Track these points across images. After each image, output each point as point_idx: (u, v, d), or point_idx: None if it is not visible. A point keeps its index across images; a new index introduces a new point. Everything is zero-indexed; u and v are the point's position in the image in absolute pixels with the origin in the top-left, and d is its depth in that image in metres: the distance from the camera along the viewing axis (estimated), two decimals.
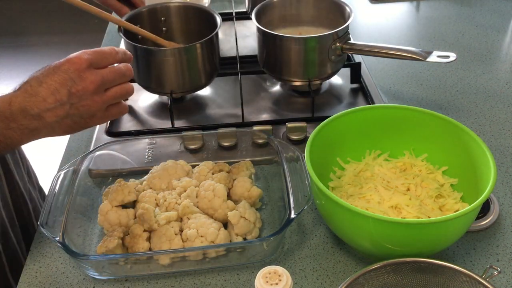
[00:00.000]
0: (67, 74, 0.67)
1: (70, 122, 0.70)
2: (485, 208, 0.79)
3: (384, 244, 0.67)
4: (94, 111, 0.71)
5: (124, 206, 0.79)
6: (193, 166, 0.86)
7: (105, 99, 0.71)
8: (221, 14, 1.01)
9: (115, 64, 0.74)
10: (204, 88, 1.06)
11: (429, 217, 0.71)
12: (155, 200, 0.79)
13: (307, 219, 0.81)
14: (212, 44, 0.98)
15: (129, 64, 0.75)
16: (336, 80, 1.11)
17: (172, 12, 1.07)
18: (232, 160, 0.88)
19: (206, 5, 1.13)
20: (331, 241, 0.77)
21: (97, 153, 0.86)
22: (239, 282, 0.72)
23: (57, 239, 0.70)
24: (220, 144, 0.91)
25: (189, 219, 0.76)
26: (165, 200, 0.78)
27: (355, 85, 1.09)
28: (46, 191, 0.78)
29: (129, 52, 0.77)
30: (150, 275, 0.73)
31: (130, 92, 0.76)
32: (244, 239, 0.76)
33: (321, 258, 0.75)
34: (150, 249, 0.74)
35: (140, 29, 0.98)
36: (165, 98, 1.06)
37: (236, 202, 0.79)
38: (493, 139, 0.95)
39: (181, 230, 0.75)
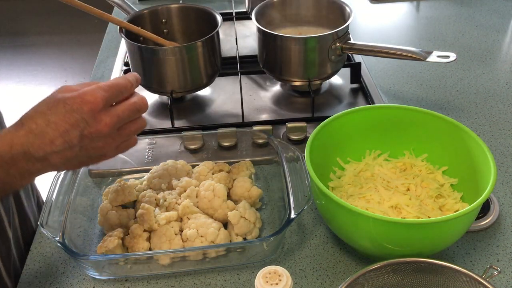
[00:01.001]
0: (80, 114, 0.59)
1: (76, 163, 0.63)
2: (485, 208, 0.79)
3: (384, 244, 0.67)
4: (104, 151, 0.64)
5: (124, 206, 0.79)
6: (193, 166, 0.86)
7: (118, 139, 0.65)
8: (221, 14, 1.01)
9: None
10: (204, 88, 1.06)
11: (429, 217, 0.71)
12: (155, 200, 0.79)
13: (307, 219, 0.81)
14: (213, 43, 0.98)
15: (143, 97, 0.67)
16: (336, 80, 1.11)
17: (173, 14, 1.07)
18: (232, 160, 0.88)
19: None
20: (331, 241, 0.77)
21: None
22: (239, 282, 0.72)
23: (57, 239, 0.70)
24: (220, 144, 0.91)
25: (189, 219, 0.76)
26: (165, 200, 0.78)
27: (355, 85, 1.09)
28: (47, 191, 0.78)
29: (138, 76, 0.70)
30: (150, 275, 0.73)
31: (144, 127, 0.69)
32: (244, 239, 0.76)
33: (321, 258, 0.75)
34: (150, 249, 0.74)
35: (141, 29, 0.98)
36: (165, 98, 1.06)
37: (236, 202, 0.79)
38: (493, 139, 0.95)
39: (181, 230, 0.75)
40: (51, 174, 0.81)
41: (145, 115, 1.02)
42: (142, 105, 0.66)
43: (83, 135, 0.60)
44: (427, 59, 0.92)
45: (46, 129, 0.58)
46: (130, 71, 1.05)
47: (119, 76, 0.66)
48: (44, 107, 0.60)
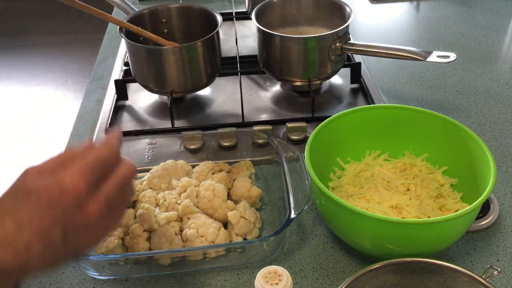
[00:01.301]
0: (60, 208, 0.46)
1: (62, 258, 0.49)
2: (485, 208, 0.79)
3: (384, 244, 0.67)
4: (95, 240, 0.52)
5: None
6: (193, 166, 0.86)
7: (109, 224, 0.52)
8: (221, 14, 1.01)
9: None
10: (204, 88, 1.06)
11: (429, 217, 0.71)
12: (155, 200, 0.79)
13: (307, 219, 0.81)
14: (213, 43, 0.98)
15: (130, 163, 0.55)
16: (336, 80, 1.11)
17: (173, 14, 1.07)
18: (232, 160, 0.88)
19: None
20: (331, 241, 0.77)
21: None
22: (239, 282, 0.72)
23: None
24: (220, 144, 0.91)
25: (189, 219, 0.76)
26: (165, 200, 0.78)
27: (355, 85, 1.09)
28: None
29: (120, 134, 0.56)
30: (150, 275, 0.73)
31: (133, 194, 0.57)
32: (244, 239, 0.76)
33: (321, 258, 0.75)
34: (150, 249, 0.74)
35: (141, 29, 0.98)
36: (165, 98, 1.06)
37: (236, 202, 0.79)
38: (493, 139, 0.95)
39: (181, 230, 0.75)
40: None
41: (145, 115, 1.03)
42: (131, 174, 0.54)
43: (67, 231, 0.47)
44: (427, 59, 0.92)
45: (19, 234, 0.45)
46: (130, 71, 1.05)
47: (99, 142, 0.53)
48: (11, 204, 0.46)
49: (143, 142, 0.92)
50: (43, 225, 0.46)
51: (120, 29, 0.97)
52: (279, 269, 0.58)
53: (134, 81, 1.04)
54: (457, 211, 0.68)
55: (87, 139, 0.52)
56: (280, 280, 0.57)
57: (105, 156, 0.51)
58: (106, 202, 0.49)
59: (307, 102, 1.03)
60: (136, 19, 1.01)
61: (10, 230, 0.45)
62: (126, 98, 1.07)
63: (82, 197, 0.47)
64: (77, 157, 0.50)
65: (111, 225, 0.54)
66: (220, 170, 0.85)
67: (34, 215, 0.45)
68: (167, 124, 0.99)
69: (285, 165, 0.80)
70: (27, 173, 0.49)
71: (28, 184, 0.47)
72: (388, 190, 0.77)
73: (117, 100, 1.06)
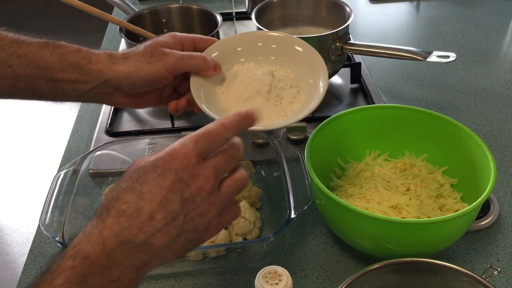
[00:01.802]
0: (175, 174, 0.49)
1: (183, 241, 0.50)
2: (485, 208, 0.79)
3: (384, 244, 0.67)
4: (210, 219, 0.52)
5: None
6: None
7: (221, 198, 0.52)
8: (221, 14, 1.01)
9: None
10: None
11: (429, 217, 0.71)
12: None
13: (307, 219, 0.81)
14: None
15: (237, 143, 0.56)
16: (336, 80, 1.11)
17: (173, 14, 1.07)
18: None
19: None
20: (331, 241, 0.77)
21: (97, 153, 0.86)
22: (239, 282, 0.72)
23: (57, 239, 0.70)
24: None
25: None
26: None
27: (355, 85, 1.09)
28: (47, 191, 0.78)
29: (242, 116, 0.57)
30: (150, 275, 0.73)
31: (246, 182, 0.56)
32: (244, 239, 0.76)
33: (321, 258, 0.75)
34: None
35: (141, 29, 0.98)
36: None
37: None
38: (493, 139, 0.95)
39: None
40: (51, 174, 0.81)
41: (145, 115, 1.03)
42: (236, 152, 0.55)
43: (184, 198, 0.49)
44: (427, 59, 0.92)
45: (140, 203, 0.47)
46: None
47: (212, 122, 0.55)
48: (128, 182, 0.49)
49: (143, 142, 0.92)
50: (162, 193, 0.48)
51: (120, 29, 0.97)
52: (279, 269, 0.58)
53: None
54: (457, 211, 0.68)
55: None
56: (280, 280, 0.57)
57: (213, 130, 0.52)
58: (215, 172, 0.51)
59: None
60: (136, 19, 1.02)
61: (131, 202, 0.47)
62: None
63: (192, 163, 0.49)
64: (187, 135, 0.52)
65: (226, 216, 0.55)
66: None
67: (152, 185, 0.48)
68: (167, 124, 0.99)
69: (285, 165, 0.80)
70: (136, 162, 0.51)
71: (141, 163, 0.50)
72: (388, 190, 0.77)
73: None
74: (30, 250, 0.79)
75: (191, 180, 0.50)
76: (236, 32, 1.15)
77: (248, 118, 0.57)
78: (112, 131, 0.97)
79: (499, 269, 0.63)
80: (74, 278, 0.44)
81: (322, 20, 1.08)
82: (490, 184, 0.66)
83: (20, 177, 2.29)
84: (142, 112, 1.04)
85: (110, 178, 0.88)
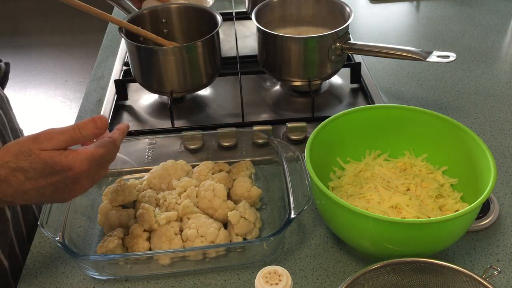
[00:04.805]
0: (62, 178, 0.62)
1: (49, 192, 0.63)
2: (485, 208, 0.79)
3: (384, 244, 0.67)
4: (71, 196, 0.66)
5: (124, 206, 0.79)
6: (193, 166, 0.86)
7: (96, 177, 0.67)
8: (221, 14, 1.01)
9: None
10: (204, 88, 1.06)
11: (429, 217, 0.71)
12: (155, 200, 0.79)
13: (307, 219, 0.81)
14: (213, 43, 0.98)
15: (113, 140, 0.68)
16: (336, 80, 1.11)
17: (173, 13, 1.07)
18: (232, 160, 0.88)
19: (210, 4, 1.13)
20: (331, 241, 0.77)
21: None
22: (239, 282, 0.72)
23: (57, 239, 0.70)
24: (220, 144, 0.91)
25: (189, 219, 0.76)
26: (165, 200, 0.78)
27: (355, 85, 1.09)
28: None
29: (124, 127, 0.71)
30: (150, 275, 0.73)
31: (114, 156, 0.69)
32: (244, 239, 0.76)
33: (321, 258, 0.75)
34: (150, 249, 0.74)
35: (141, 29, 0.98)
36: (165, 98, 1.06)
37: (236, 202, 0.79)
38: (493, 139, 0.95)
39: (181, 230, 0.75)
40: None
41: (145, 115, 1.03)
42: (114, 148, 0.67)
43: (57, 190, 0.62)
44: (427, 59, 0.92)
45: (24, 184, 0.60)
46: (130, 71, 1.05)
47: (108, 136, 0.68)
48: (27, 164, 0.60)
49: (143, 142, 0.92)
50: (44, 184, 0.61)
51: (120, 29, 0.97)
52: (279, 269, 0.58)
53: (134, 81, 1.04)
54: (457, 211, 0.68)
55: (98, 119, 0.66)
56: (280, 280, 0.57)
57: (109, 155, 0.66)
58: (92, 181, 0.66)
59: (307, 102, 1.03)
60: (136, 19, 1.01)
61: (20, 180, 0.60)
62: (126, 98, 1.07)
63: (81, 176, 0.63)
64: (88, 149, 0.63)
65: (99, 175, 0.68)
66: (220, 170, 0.85)
67: (43, 177, 0.61)
68: (167, 124, 0.99)
69: (285, 165, 0.80)
70: (43, 146, 0.61)
71: (45, 155, 0.61)
72: (388, 190, 0.77)
73: (117, 100, 1.06)
74: (30, 250, 0.79)
75: (71, 186, 0.63)
76: (236, 32, 1.15)
77: (124, 130, 0.71)
78: None
79: (499, 269, 0.63)
80: None
81: (322, 20, 1.08)
82: (490, 184, 0.66)
83: None
84: (142, 112, 1.04)
85: (110, 178, 0.88)
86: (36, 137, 0.62)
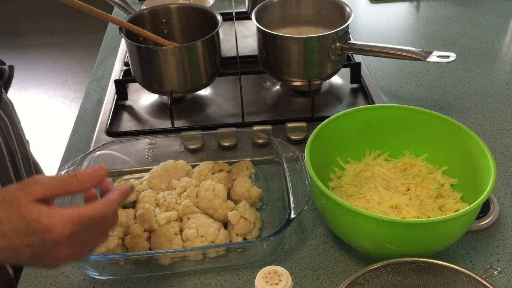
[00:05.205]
0: (41, 241, 0.52)
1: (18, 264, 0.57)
2: (485, 208, 0.79)
3: (384, 244, 0.67)
4: (55, 265, 0.56)
5: (124, 206, 0.79)
6: (193, 166, 0.86)
7: (74, 259, 0.57)
8: (221, 14, 1.01)
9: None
10: (204, 88, 1.06)
11: (429, 217, 0.71)
12: (155, 200, 0.79)
13: (307, 219, 0.81)
14: (213, 43, 0.98)
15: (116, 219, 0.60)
16: (336, 80, 1.11)
17: (173, 13, 1.07)
18: (232, 160, 0.88)
19: (210, 4, 1.13)
20: (331, 241, 0.77)
21: (97, 153, 0.86)
22: (239, 282, 0.72)
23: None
24: (220, 144, 0.91)
25: (189, 219, 0.76)
26: (165, 200, 0.78)
27: (355, 85, 1.09)
28: None
29: (131, 188, 0.62)
30: (150, 275, 0.73)
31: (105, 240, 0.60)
32: (244, 239, 0.76)
33: (321, 258, 0.75)
34: (150, 249, 0.74)
35: (141, 29, 0.98)
36: (165, 98, 1.06)
37: (236, 202, 0.79)
38: (493, 139, 0.95)
39: (181, 230, 0.75)
40: (52, 173, 0.81)
41: (145, 115, 1.03)
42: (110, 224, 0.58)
43: (36, 254, 0.53)
44: (427, 59, 0.92)
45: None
46: (130, 71, 1.05)
47: (104, 199, 0.59)
48: (5, 215, 0.52)
49: (143, 142, 0.92)
50: (19, 243, 0.52)
51: (120, 29, 0.97)
52: (279, 269, 0.58)
53: (134, 81, 1.04)
54: (457, 211, 0.68)
55: (99, 168, 0.58)
56: (280, 280, 0.57)
57: (100, 216, 0.55)
58: (79, 249, 0.56)
59: (307, 102, 1.03)
60: (136, 19, 1.01)
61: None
62: (126, 98, 1.07)
63: (63, 242, 0.53)
64: (75, 210, 0.54)
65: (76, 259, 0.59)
66: (220, 170, 0.85)
67: (18, 234, 0.52)
68: (167, 124, 0.99)
69: (285, 165, 0.80)
70: (31, 191, 0.53)
71: (27, 208, 0.52)
72: (388, 190, 0.77)
73: (117, 100, 1.06)
74: None
75: (51, 251, 0.53)
76: (236, 32, 1.15)
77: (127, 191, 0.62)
78: (112, 131, 0.97)
79: (499, 269, 0.63)
80: None
81: (322, 20, 1.08)
82: (490, 184, 0.66)
83: None
84: (142, 112, 1.04)
85: (110, 178, 0.87)
86: (26, 182, 0.54)
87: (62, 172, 0.80)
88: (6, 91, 0.94)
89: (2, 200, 0.52)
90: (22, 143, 0.94)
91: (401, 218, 0.72)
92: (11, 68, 0.95)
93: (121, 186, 0.61)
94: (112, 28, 1.36)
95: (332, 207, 0.69)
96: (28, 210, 0.52)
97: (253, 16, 1.01)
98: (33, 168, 0.96)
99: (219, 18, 0.99)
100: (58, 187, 0.55)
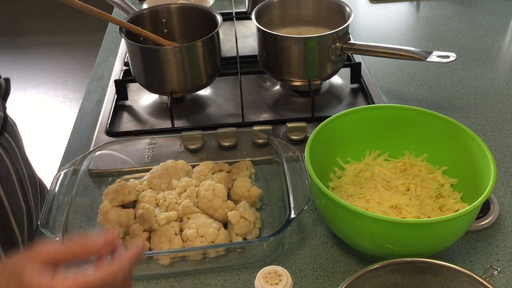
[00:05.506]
0: None
1: None
2: (485, 208, 0.79)
3: (384, 244, 0.67)
4: None
5: (124, 206, 0.79)
6: (193, 166, 0.86)
7: None
8: (221, 14, 1.01)
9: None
10: (204, 88, 1.06)
11: (429, 217, 0.71)
12: (155, 200, 0.79)
13: (307, 219, 0.81)
14: (213, 43, 0.98)
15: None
16: (336, 80, 1.11)
17: (173, 14, 1.07)
18: (232, 160, 0.88)
19: (210, 4, 1.12)
20: (331, 241, 0.77)
21: (97, 153, 0.86)
22: (239, 282, 0.72)
23: (57, 239, 0.70)
24: (220, 144, 0.91)
25: (189, 219, 0.76)
26: (165, 200, 0.78)
27: (355, 85, 1.09)
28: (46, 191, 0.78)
29: (140, 251, 0.55)
30: (150, 275, 0.73)
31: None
32: (244, 239, 0.76)
33: (321, 258, 0.75)
34: (150, 249, 0.74)
35: (141, 29, 0.98)
36: (165, 98, 1.06)
37: (236, 202, 0.79)
38: (493, 139, 0.95)
39: (181, 230, 0.75)
40: (51, 174, 0.81)
41: (145, 115, 1.03)
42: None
43: None
44: (427, 59, 0.92)
45: None
46: (130, 71, 1.05)
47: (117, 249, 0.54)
48: (4, 280, 0.49)
49: (143, 142, 0.92)
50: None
51: (120, 29, 0.97)
52: (279, 269, 0.58)
53: (134, 81, 1.04)
54: (457, 211, 0.68)
55: (110, 234, 0.53)
56: (280, 280, 0.57)
57: (107, 284, 0.50)
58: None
59: (307, 102, 1.03)
60: (136, 19, 1.01)
61: None
62: (126, 98, 1.07)
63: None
64: (96, 248, 0.51)
65: None
66: (220, 170, 0.85)
67: None
68: (167, 124, 0.99)
69: (285, 165, 0.80)
70: (33, 258, 0.50)
71: (28, 273, 0.48)
72: (388, 190, 0.77)
73: (117, 100, 1.06)
74: None
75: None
76: (236, 32, 1.15)
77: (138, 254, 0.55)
78: (112, 131, 0.97)
79: (499, 269, 0.63)
80: None
81: (322, 20, 1.08)
82: (490, 184, 0.66)
83: None
84: (142, 112, 1.04)
85: (110, 178, 0.88)
86: (32, 247, 0.51)
87: (61, 173, 0.80)
88: (4, 106, 0.87)
89: (3, 268, 0.50)
90: (29, 164, 0.93)
91: (401, 218, 0.72)
92: (7, 81, 0.89)
93: (131, 246, 0.54)
94: (112, 28, 1.36)
95: (332, 207, 0.69)
96: (29, 274, 0.48)
97: (253, 16, 1.01)
98: (39, 189, 0.94)
99: (219, 18, 0.99)
100: (66, 255, 0.51)
